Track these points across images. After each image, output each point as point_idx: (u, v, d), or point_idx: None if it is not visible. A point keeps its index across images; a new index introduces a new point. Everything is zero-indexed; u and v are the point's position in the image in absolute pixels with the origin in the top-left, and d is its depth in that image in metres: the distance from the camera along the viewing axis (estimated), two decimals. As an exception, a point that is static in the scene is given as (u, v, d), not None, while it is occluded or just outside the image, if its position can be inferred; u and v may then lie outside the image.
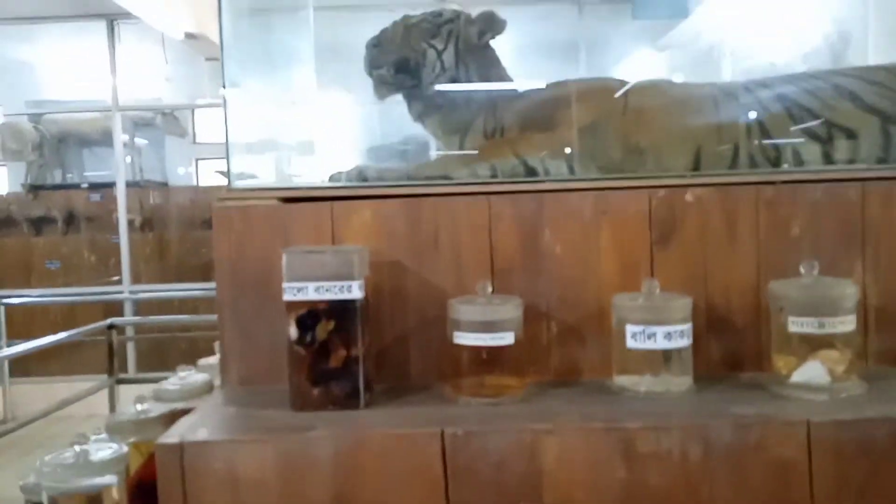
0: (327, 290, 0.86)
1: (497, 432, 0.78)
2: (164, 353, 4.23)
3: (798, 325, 0.86)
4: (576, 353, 0.99)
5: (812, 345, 0.87)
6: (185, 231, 5.32)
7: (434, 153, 1.47)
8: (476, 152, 1.22)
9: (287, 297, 0.86)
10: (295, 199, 1.02)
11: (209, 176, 5.96)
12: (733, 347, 0.98)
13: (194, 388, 1.30)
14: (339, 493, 0.79)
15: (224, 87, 1.18)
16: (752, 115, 1.38)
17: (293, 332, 0.86)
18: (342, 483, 0.79)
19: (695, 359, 0.98)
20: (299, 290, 0.86)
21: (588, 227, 0.99)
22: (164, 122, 5.59)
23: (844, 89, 1.39)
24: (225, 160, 1.12)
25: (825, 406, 0.82)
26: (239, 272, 0.99)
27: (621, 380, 0.91)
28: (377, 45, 1.32)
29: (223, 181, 1.18)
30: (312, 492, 0.78)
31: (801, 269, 0.90)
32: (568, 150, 1.18)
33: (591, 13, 2.44)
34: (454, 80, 1.31)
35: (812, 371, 0.86)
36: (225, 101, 1.19)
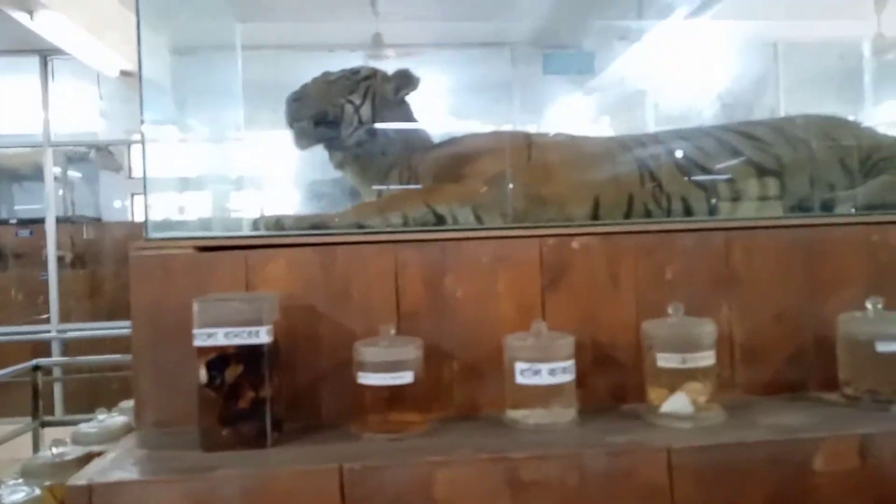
0: (236, 336, 0.92)
1: (393, 466, 0.85)
2: (95, 394, 4.11)
3: (665, 360, 0.97)
4: (476, 390, 1.07)
5: (678, 378, 0.98)
6: (119, 267, 5.20)
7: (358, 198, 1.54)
8: (388, 201, 1.31)
9: (198, 342, 0.91)
10: (211, 247, 1.08)
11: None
12: (617, 381, 1.08)
13: (113, 431, 1.32)
14: (245, 530, 0.83)
15: (142, 124, 1.20)
16: (645, 167, 1.51)
17: (203, 375, 0.91)
18: (248, 520, 0.84)
19: (583, 391, 1.07)
20: (209, 335, 0.91)
21: (486, 272, 1.08)
22: (98, 157, 5.51)
23: (728, 144, 1.54)
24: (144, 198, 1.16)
25: (687, 434, 0.92)
26: (155, 319, 1.04)
27: (513, 414, 0.99)
28: (298, 100, 1.40)
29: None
30: (219, 529, 0.83)
31: (669, 310, 1.01)
32: (475, 202, 1.28)
33: (522, 58, 2.59)
34: (371, 134, 1.40)
35: (678, 402, 0.96)
36: (143, 139, 1.22)
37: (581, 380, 1.07)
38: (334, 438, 0.97)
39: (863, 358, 1.00)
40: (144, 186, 1.17)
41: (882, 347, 0.98)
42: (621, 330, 1.08)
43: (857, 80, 2.33)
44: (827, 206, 1.30)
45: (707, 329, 0.98)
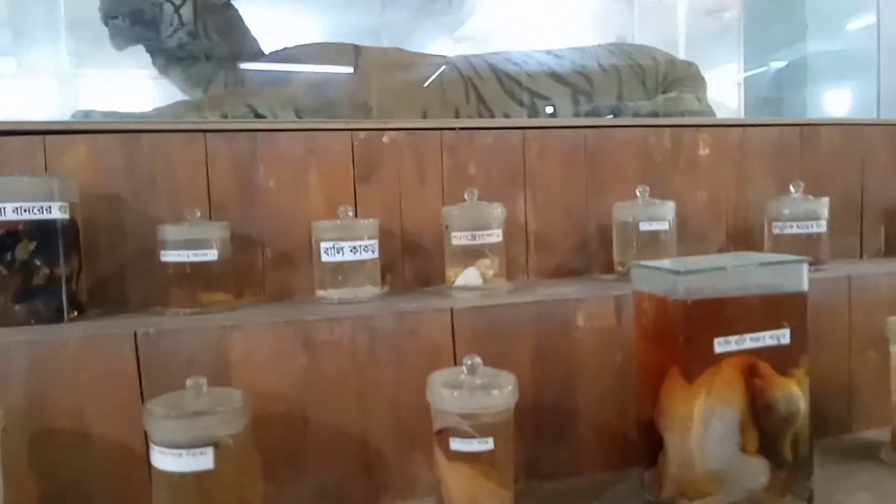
0: (26, 211, 0.90)
1: (188, 330, 0.88)
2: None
3: (457, 238, 1.06)
4: (288, 276, 1.12)
5: (471, 257, 1.08)
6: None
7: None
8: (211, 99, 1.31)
9: (-16, 219, 0.89)
10: (5, 132, 1.03)
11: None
12: (423, 267, 1.17)
13: None
14: (35, 400, 0.83)
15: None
16: (471, 84, 1.60)
17: (-10, 251, 0.90)
18: (36, 389, 0.84)
19: (392, 278, 1.15)
20: (-4, 211, 0.89)
21: (298, 164, 1.12)
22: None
23: (547, 66, 1.66)
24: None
25: (473, 300, 1.02)
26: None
27: (320, 293, 1.05)
28: (113, -5, 1.35)
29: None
30: (6, 399, 0.83)
31: (465, 196, 1.10)
32: (297, 105, 1.31)
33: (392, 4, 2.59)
34: (193, 36, 1.38)
35: (469, 276, 1.06)
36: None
37: (390, 266, 1.15)
38: (135, 316, 0.98)
39: (630, 238, 1.15)
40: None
41: (644, 227, 1.13)
42: (427, 221, 1.16)
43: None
44: (615, 114, 1.44)
45: (496, 211, 1.08)
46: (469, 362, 0.80)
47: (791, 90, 3.06)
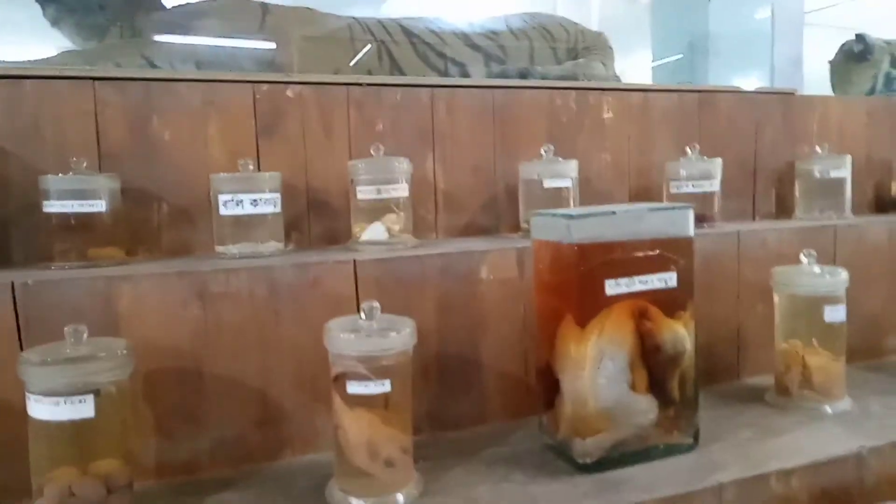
0: None
1: (71, 280, 0.84)
2: None
3: (363, 192, 1.05)
4: (186, 233, 1.08)
5: (377, 213, 1.07)
6: None
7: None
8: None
9: None
10: None
11: None
12: (330, 225, 1.15)
13: None
14: None
15: None
16: (384, 46, 1.58)
17: None
18: None
19: (297, 236, 1.14)
20: None
21: (196, 116, 1.08)
22: None
23: (461, 33, 1.67)
24: None
25: (377, 254, 1.01)
26: None
27: (220, 249, 1.02)
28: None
29: None
30: None
31: (371, 151, 1.09)
32: (197, 58, 1.26)
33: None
34: (86, -16, 1.31)
35: (374, 231, 1.06)
36: None
37: (295, 224, 1.13)
38: (17, 269, 0.92)
39: (535, 196, 1.17)
40: None
41: (548, 184, 1.15)
42: (335, 178, 1.15)
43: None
44: (523, 76, 1.46)
45: (402, 165, 1.07)
46: (366, 307, 0.80)
47: (693, 72, 3.23)
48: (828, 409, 1.02)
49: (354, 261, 0.95)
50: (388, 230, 1.06)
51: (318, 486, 0.82)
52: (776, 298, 1.07)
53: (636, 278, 0.85)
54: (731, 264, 1.18)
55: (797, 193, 1.42)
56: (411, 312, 0.96)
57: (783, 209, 1.47)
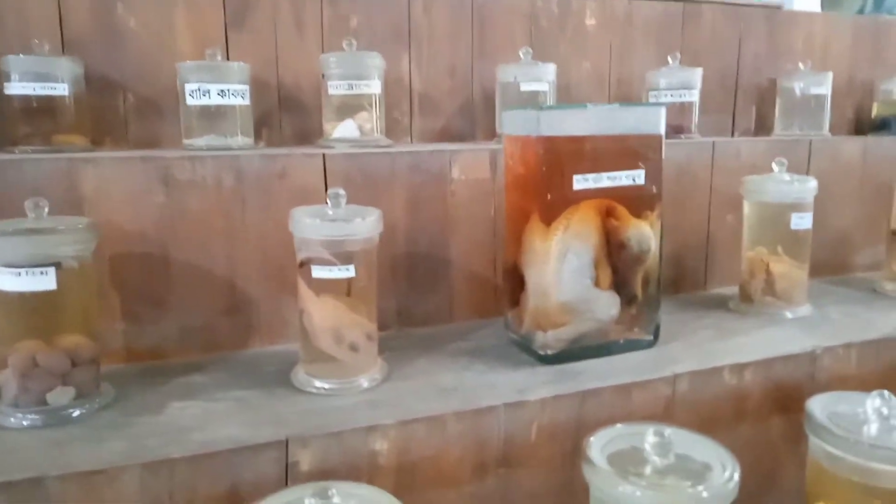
0: None
1: (32, 161, 0.83)
2: None
3: (334, 88, 1.04)
4: (154, 125, 1.06)
5: (349, 109, 1.05)
6: None
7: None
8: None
9: None
10: None
11: None
12: (301, 122, 1.14)
13: None
14: None
15: None
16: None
17: None
18: None
19: (268, 131, 1.12)
20: None
21: (163, 3, 1.04)
22: None
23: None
24: None
25: (348, 149, 1.00)
26: None
27: (187, 142, 1.00)
28: None
29: None
30: None
31: (343, 45, 1.06)
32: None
33: None
34: None
35: (346, 128, 1.04)
36: None
37: (266, 120, 1.12)
38: (-21, 155, 0.91)
39: (511, 100, 1.15)
40: None
41: (525, 87, 1.14)
42: (307, 74, 1.12)
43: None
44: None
45: (375, 61, 1.05)
46: (332, 193, 0.80)
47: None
48: (788, 314, 1.05)
49: (324, 154, 0.94)
50: (360, 128, 1.04)
51: (285, 371, 0.84)
52: (745, 207, 1.08)
53: (604, 174, 0.84)
54: (704, 174, 1.18)
55: (777, 111, 1.41)
56: (380, 208, 0.96)
57: (762, 127, 1.47)
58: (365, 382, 0.81)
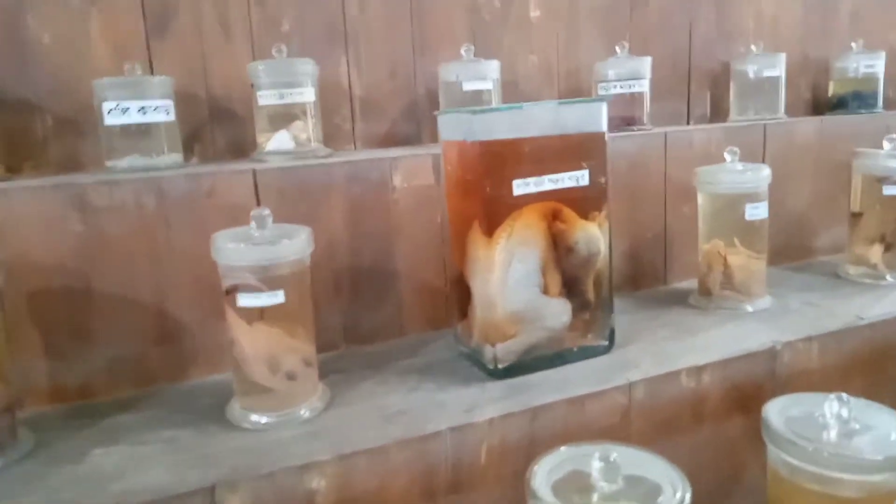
0: None
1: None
2: None
3: (264, 98, 0.98)
4: (75, 146, 1.00)
5: (282, 119, 1.00)
6: None
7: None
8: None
9: None
10: None
11: None
12: (235, 134, 1.08)
13: None
14: None
15: None
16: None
17: None
18: None
19: (200, 148, 1.06)
20: None
21: (76, 13, 0.98)
22: None
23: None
24: None
25: (283, 162, 0.95)
26: None
27: (109, 163, 0.94)
28: None
29: None
30: None
31: (273, 52, 1.01)
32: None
33: None
34: None
35: (280, 139, 0.99)
36: None
37: (197, 135, 1.06)
38: None
39: (455, 101, 1.11)
40: None
41: (468, 87, 1.09)
42: (238, 83, 1.07)
43: None
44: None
45: (307, 67, 1.00)
46: (256, 215, 0.75)
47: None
48: (748, 307, 1.02)
49: (254, 170, 0.88)
50: (295, 138, 0.99)
51: (222, 405, 0.79)
52: (699, 198, 1.05)
53: (546, 177, 0.80)
54: (657, 167, 1.15)
55: (731, 96, 1.39)
56: (319, 223, 0.91)
57: (718, 112, 1.44)
58: (305, 412, 0.76)
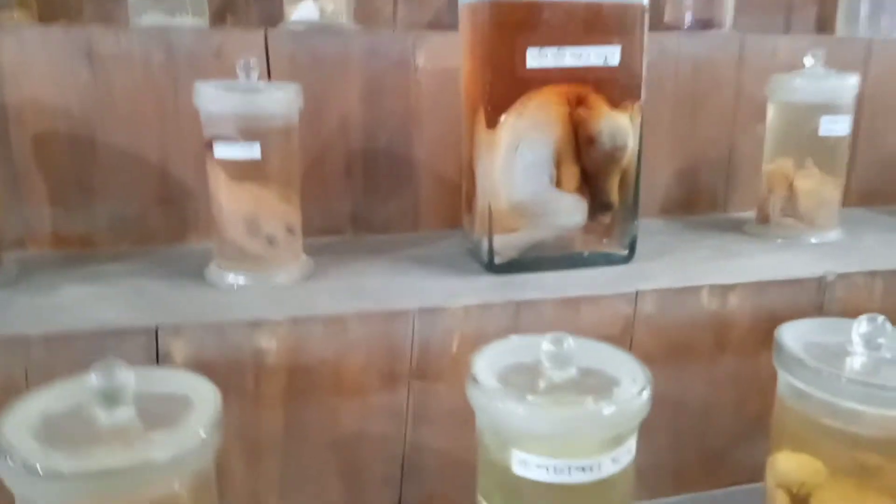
0: None
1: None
2: None
3: (291, -38, 0.93)
4: (105, 3, 0.99)
5: (311, -13, 0.94)
6: None
7: None
8: None
9: None
10: None
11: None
12: (266, 6, 1.03)
13: None
14: None
15: None
16: None
17: None
18: None
19: (233, 19, 1.03)
20: None
21: None
22: None
23: None
24: None
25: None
26: None
27: (133, 20, 0.93)
28: None
29: None
30: None
31: (307, -85, 0.95)
32: None
33: None
34: None
35: (305, 9, 0.94)
36: None
37: (229, 4, 1.03)
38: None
39: None
40: None
41: None
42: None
43: None
44: None
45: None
46: (242, 63, 0.70)
47: None
48: (811, 238, 0.88)
49: (265, 32, 0.84)
50: (322, 10, 0.94)
51: (206, 266, 0.77)
52: (769, 111, 0.91)
53: (567, 49, 0.71)
54: (728, 74, 1.00)
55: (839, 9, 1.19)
56: (332, 99, 0.87)
57: (824, 28, 1.25)
58: (281, 278, 0.73)
